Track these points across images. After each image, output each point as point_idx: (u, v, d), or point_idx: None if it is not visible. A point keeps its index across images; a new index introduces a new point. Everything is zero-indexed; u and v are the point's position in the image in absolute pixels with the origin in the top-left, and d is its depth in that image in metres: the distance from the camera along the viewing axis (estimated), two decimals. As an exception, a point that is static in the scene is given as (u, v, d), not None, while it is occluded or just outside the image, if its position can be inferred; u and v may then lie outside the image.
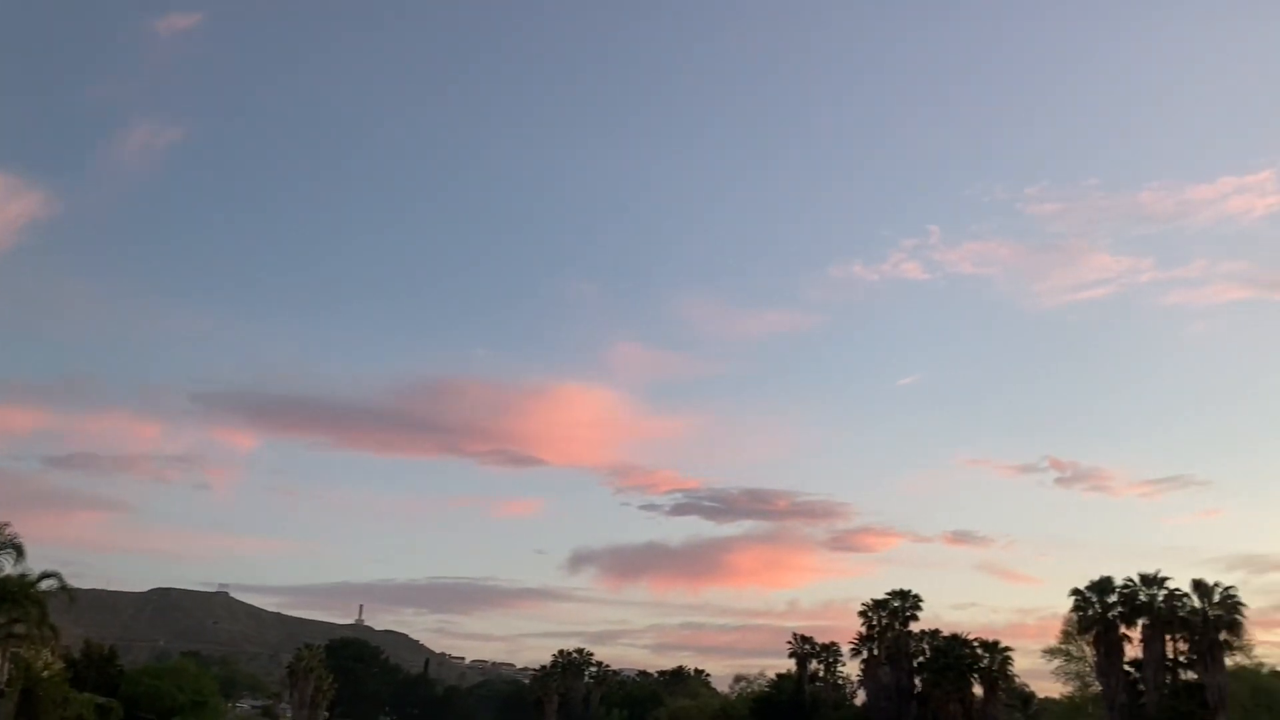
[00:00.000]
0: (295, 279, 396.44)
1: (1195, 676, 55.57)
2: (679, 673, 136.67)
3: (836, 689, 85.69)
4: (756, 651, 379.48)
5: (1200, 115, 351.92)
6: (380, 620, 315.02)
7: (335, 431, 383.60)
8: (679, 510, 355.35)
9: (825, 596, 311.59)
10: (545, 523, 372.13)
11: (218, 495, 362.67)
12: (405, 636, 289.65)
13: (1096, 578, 60.10)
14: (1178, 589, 56.96)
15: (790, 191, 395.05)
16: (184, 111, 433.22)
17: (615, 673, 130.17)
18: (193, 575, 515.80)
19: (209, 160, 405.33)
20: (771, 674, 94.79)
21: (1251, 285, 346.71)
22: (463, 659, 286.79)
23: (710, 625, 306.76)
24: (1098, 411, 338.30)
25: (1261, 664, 63.99)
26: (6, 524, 48.36)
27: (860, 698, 79.83)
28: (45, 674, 53.18)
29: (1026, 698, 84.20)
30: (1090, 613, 59.58)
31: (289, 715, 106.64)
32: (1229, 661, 56.30)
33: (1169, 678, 56.69)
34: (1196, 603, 55.82)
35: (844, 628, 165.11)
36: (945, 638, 70.35)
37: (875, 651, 72.88)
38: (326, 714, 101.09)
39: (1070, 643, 66.25)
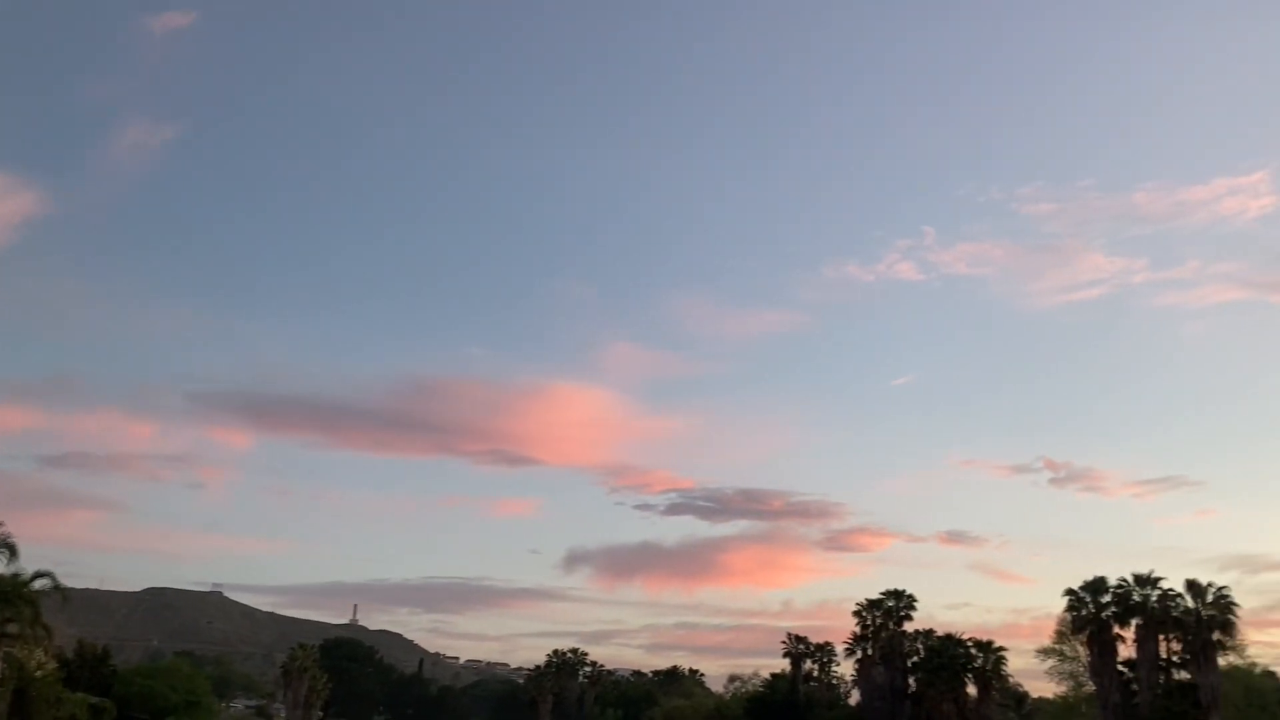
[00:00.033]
0: (291, 278, 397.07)
1: (1189, 676, 55.65)
2: (673, 672, 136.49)
3: (831, 689, 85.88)
4: (751, 651, 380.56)
5: (1195, 116, 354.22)
6: (375, 620, 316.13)
7: (330, 431, 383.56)
8: (674, 510, 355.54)
9: (819, 596, 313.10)
10: (540, 522, 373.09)
11: (212, 495, 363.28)
12: (400, 636, 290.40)
13: (1090, 578, 60.38)
14: (1171, 589, 57.20)
15: (785, 192, 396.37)
16: (179, 110, 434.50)
17: (610, 672, 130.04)
18: (187, 575, 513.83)
19: (204, 159, 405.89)
20: (766, 674, 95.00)
21: (1245, 286, 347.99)
22: (457, 659, 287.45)
23: (705, 625, 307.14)
24: (1092, 412, 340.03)
25: (1254, 664, 64.55)
26: (0, 523, 48.38)
27: (854, 697, 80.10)
28: (38, 674, 52.86)
29: (1020, 698, 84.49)
30: (1084, 613, 59.70)
31: (283, 715, 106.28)
32: (1222, 661, 56.44)
33: (1162, 678, 56.81)
34: (1190, 603, 56.00)
35: (838, 627, 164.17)
36: (939, 638, 70.42)
37: (869, 651, 72.89)
38: (321, 714, 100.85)
39: (1064, 643, 66.51)
